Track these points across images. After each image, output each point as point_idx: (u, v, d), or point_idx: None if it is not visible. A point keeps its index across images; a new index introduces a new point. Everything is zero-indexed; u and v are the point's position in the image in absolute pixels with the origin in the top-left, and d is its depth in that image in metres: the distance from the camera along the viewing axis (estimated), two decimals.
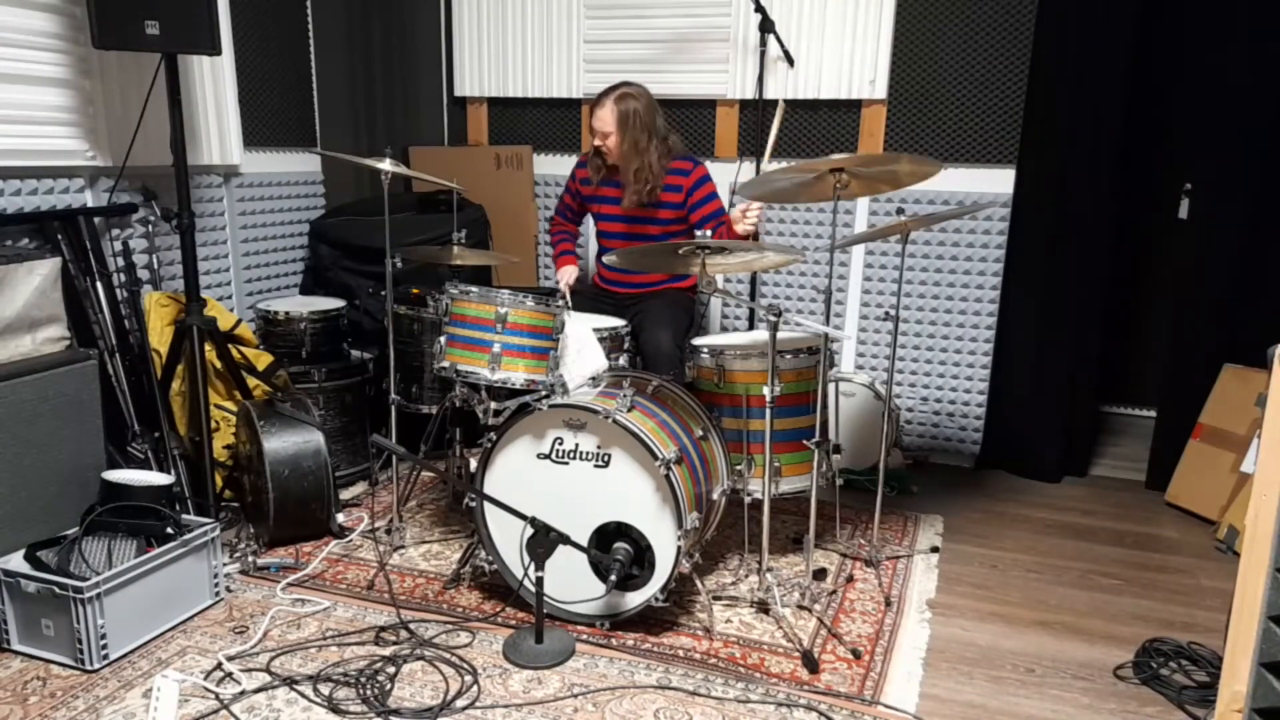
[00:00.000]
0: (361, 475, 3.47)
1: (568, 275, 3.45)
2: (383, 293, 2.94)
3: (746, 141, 3.89)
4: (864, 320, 3.90)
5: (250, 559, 2.72)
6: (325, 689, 2.12)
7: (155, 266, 3.12)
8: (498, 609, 2.52)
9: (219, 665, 2.21)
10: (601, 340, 2.74)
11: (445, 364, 2.52)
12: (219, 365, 3.01)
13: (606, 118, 3.21)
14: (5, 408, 2.33)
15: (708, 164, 3.50)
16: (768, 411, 2.39)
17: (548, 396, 2.43)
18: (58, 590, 2.16)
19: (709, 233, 2.59)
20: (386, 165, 2.67)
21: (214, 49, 2.79)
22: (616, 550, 2.33)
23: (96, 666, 2.19)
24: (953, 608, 2.63)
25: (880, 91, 3.68)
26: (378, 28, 4.13)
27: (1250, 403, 3.23)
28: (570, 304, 2.78)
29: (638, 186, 3.25)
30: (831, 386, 3.11)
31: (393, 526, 2.91)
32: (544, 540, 2.26)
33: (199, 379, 2.83)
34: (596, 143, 3.27)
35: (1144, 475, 3.67)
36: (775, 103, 3.18)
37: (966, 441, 3.86)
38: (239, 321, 3.19)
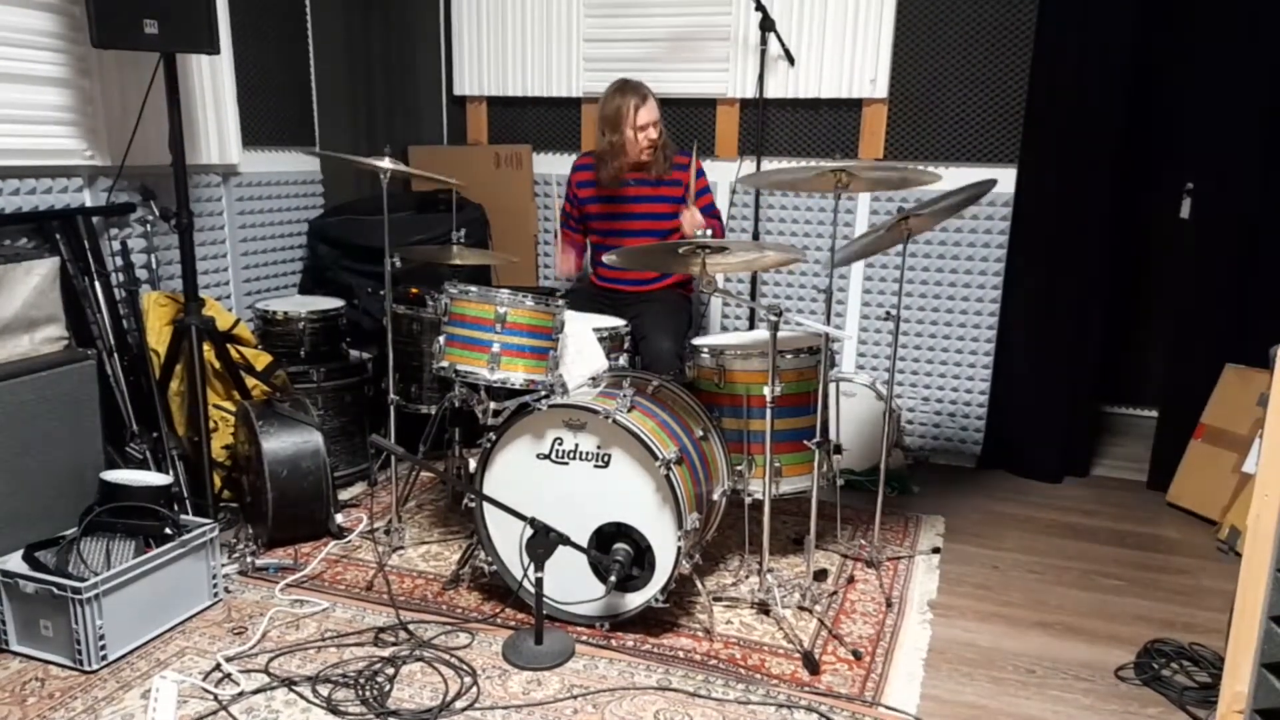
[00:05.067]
0: (360, 476, 3.46)
1: (566, 265, 3.54)
2: (381, 292, 2.94)
3: (747, 140, 3.88)
4: (865, 320, 3.89)
5: (249, 560, 2.72)
6: (324, 690, 2.11)
7: (154, 266, 3.11)
8: (497, 610, 2.51)
9: (218, 666, 2.20)
10: (601, 340, 2.73)
11: (444, 364, 2.51)
12: (217, 365, 3.00)
13: (654, 108, 3.27)
14: (3, 408, 2.32)
15: (706, 162, 3.52)
16: (768, 412, 2.38)
17: (547, 396, 2.42)
18: (56, 591, 2.15)
19: (709, 231, 2.59)
20: (385, 164, 2.66)
21: (213, 48, 2.78)
22: (616, 551, 2.32)
23: (95, 667, 2.18)
24: (954, 608, 2.63)
25: (881, 90, 3.67)
26: (377, 26, 4.13)
27: (1252, 403, 3.22)
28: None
29: (664, 159, 3.34)
30: (832, 386, 3.10)
31: (392, 527, 2.90)
32: (543, 541, 2.25)
33: (197, 379, 2.82)
34: (652, 135, 3.26)
35: (1145, 475, 3.67)
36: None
37: (968, 442, 3.85)
38: (237, 321, 3.18)
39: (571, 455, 2.37)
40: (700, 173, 3.40)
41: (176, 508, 2.58)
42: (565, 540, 2.27)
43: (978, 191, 2.55)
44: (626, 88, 3.26)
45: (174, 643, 2.32)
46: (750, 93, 3.79)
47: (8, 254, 2.48)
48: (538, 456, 2.39)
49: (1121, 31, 3.30)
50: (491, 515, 2.46)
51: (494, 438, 2.42)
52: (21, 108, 2.70)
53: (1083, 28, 3.32)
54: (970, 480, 3.68)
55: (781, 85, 3.76)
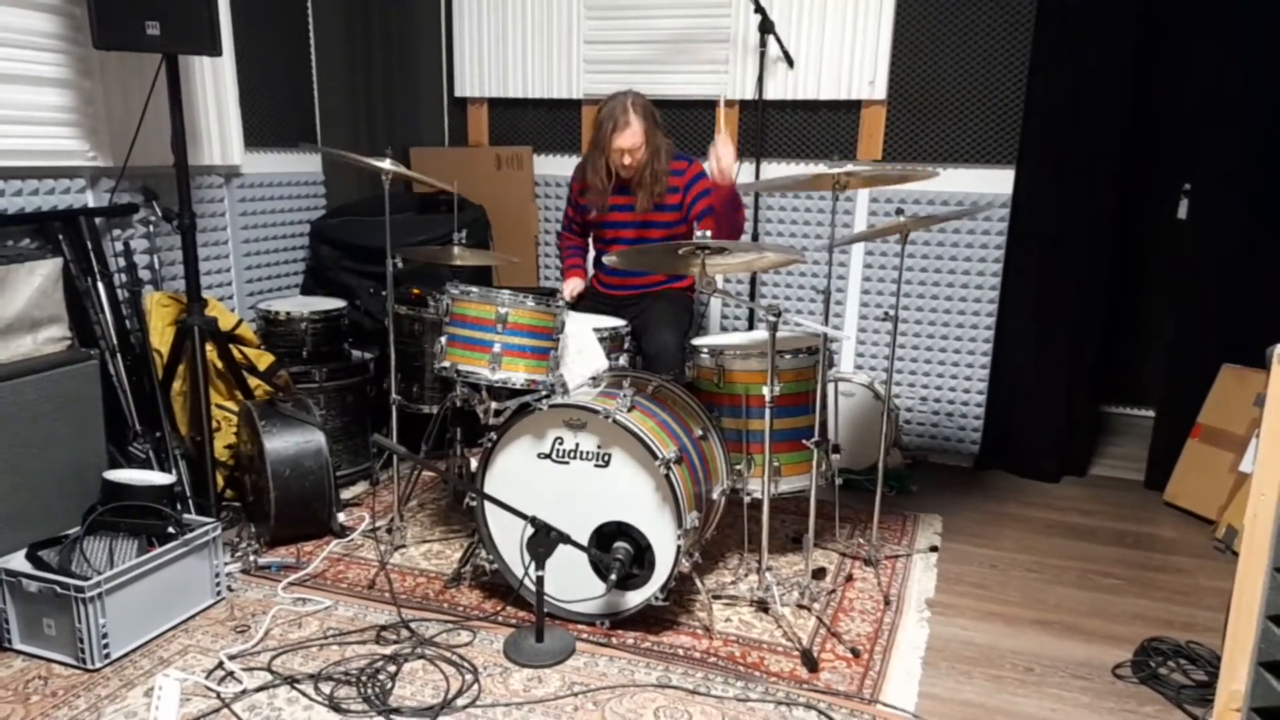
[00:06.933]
0: (362, 475, 3.47)
1: (573, 287, 3.39)
2: (383, 293, 2.95)
3: (746, 142, 3.89)
4: (863, 320, 3.90)
5: (251, 558, 2.73)
6: (326, 688, 2.12)
7: (156, 266, 3.13)
8: (498, 608, 2.52)
9: (220, 664, 2.22)
10: (602, 340, 2.74)
11: (446, 364, 2.53)
12: (220, 365, 3.01)
13: (637, 132, 3.05)
14: (7, 408, 2.34)
15: (704, 163, 3.49)
16: (767, 411, 2.39)
17: (548, 396, 2.43)
18: (59, 589, 2.16)
19: (708, 232, 2.58)
20: (386, 165, 2.67)
21: (214, 49, 2.79)
22: (616, 549, 2.34)
23: (98, 666, 2.19)
24: (952, 607, 2.64)
25: (880, 92, 3.68)
26: (378, 28, 4.14)
27: (1249, 402, 3.23)
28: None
29: (652, 186, 3.16)
30: (831, 386, 3.11)
31: (393, 526, 2.91)
32: (544, 539, 2.26)
33: (200, 379, 2.83)
34: (625, 160, 3.10)
35: (1143, 475, 3.68)
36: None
37: (965, 441, 3.86)
38: (240, 321, 3.19)
39: (572, 454, 2.38)
40: (698, 176, 3.21)
41: (179, 507, 2.59)
42: (566, 539, 2.28)
43: (977, 209, 2.55)
44: (613, 108, 3.08)
45: (177, 641, 2.33)
46: (750, 94, 3.81)
47: (11, 254, 2.49)
48: (538, 456, 2.41)
49: (1120, 31, 3.31)
50: (493, 514, 2.48)
51: (495, 437, 2.43)
52: (24, 109, 2.71)
53: (1081, 27, 3.33)
54: (968, 479, 3.69)
55: (781, 87, 3.77)
